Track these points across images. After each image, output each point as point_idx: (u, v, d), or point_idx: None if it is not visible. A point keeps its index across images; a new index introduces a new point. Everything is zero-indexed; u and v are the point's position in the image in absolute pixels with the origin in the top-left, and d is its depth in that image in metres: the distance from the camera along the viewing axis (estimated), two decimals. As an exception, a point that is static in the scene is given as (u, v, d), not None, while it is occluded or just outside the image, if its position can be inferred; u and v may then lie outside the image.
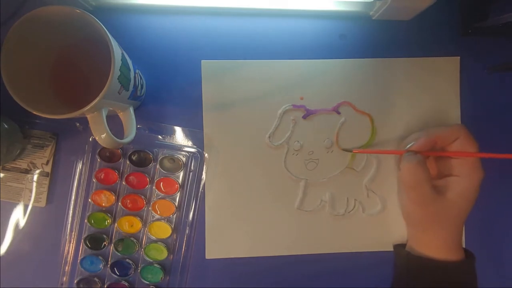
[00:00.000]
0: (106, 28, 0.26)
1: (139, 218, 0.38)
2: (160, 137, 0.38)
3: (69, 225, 0.38)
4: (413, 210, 0.33)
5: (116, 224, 0.38)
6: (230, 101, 0.38)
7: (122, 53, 0.29)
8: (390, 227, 0.39)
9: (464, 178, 0.32)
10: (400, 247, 0.37)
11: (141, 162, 0.38)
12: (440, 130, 0.32)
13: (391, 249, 0.39)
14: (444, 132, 0.32)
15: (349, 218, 0.39)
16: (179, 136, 0.38)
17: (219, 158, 0.38)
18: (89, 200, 0.38)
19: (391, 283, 0.36)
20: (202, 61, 0.38)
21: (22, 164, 0.38)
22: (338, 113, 0.39)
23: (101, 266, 0.38)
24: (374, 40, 0.39)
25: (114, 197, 0.38)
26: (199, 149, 0.38)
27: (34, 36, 0.28)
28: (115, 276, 0.38)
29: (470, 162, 0.32)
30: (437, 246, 0.33)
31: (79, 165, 0.38)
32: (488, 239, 0.40)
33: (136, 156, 0.38)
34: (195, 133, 0.38)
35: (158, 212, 0.38)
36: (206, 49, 0.38)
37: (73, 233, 0.38)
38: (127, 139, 0.31)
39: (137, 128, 0.34)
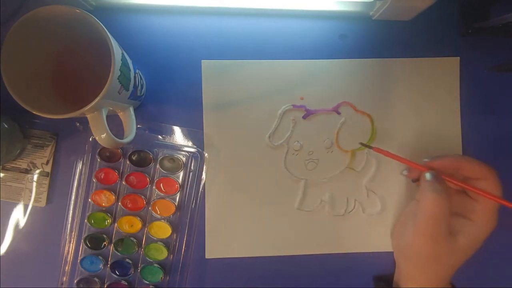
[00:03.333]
0: (106, 28, 0.26)
1: (139, 218, 0.38)
2: (160, 137, 0.38)
3: (69, 225, 0.38)
4: (419, 244, 0.30)
5: (116, 224, 0.38)
6: (230, 101, 0.38)
7: (122, 53, 0.29)
8: (390, 227, 0.39)
9: (479, 225, 0.29)
10: (379, 282, 0.36)
11: (141, 162, 0.38)
12: (469, 158, 0.29)
13: (391, 249, 0.39)
14: (473, 162, 0.29)
15: (349, 218, 0.39)
16: (179, 136, 0.38)
17: (219, 158, 0.38)
18: (89, 200, 0.38)
19: None
20: (202, 61, 0.38)
21: (22, 164, 0.38)
22: (338, 113, 0.39)
23: (101, 266, 0.38)
24: (374, 40, 0.39)
25: (114, 197, 0.38)
26: (199, 149, 0.38)
27: (34, 36, 0.28)
28: (115, 276, 0.38)
29: (490, 210, 0.29)
30: (426, 284, 0.31)
31: (79, 165, 0.38)
32: (488, 238, 0.40)
33: (136, 156, 0.38)
34: (195, 133, 0.38)
35: (158, 212, 0.38)
36: (206, 49, 0.38)
37: (73, 233, 0.38)
38: (127, 139, 0.31)
39: (137, 128, 0.34)
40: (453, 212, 0.31)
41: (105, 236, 0.38)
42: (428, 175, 0.29)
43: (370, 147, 0.35)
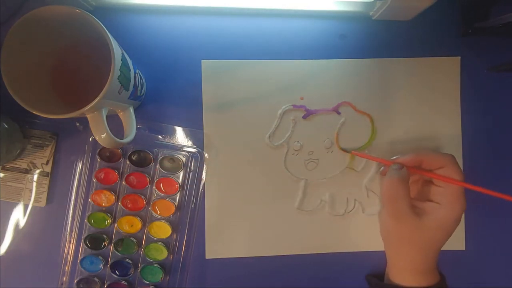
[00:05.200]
0: (106, 28, 0.26)
1: (139, 218, 0.38)
2: (160, 137, 0.38)
3: (69, 225, 0.38)
4: (388, 224, 0.33)
5: (116, 224, 0.38)
6: (230, 101, 0.38)
7: (122, 53, 0.29)
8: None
9: (444, 207, 0.32)
10: (371, 277, 0.38)
11: (141, 162, 0.38)
12: (428, 152, 0.33)
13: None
14: (432, 155, 0.32)
15: (348, 218, 0.39)
16: (179, 136, 0.38)
17: (219, 158, 0.38)
18: (89, 200, 0.38)
19: None
20: (202, 61, 0.38)
21: (22, 164, 0.38)
22: (338, 113, 0.39)
23: (101, 266, 0.38)
24: (374, 40, 0.39)
25: (114, 197, 0.38)
26: (199, 149, 0.38)
27: (34, 36, 0.28)
28: (115, 276, 0.38)
29: (453, 192, 0.31)
30: (408, 270, 0.33)
31: (79, 165, 0.38)
32: (488, 238, 0.40)
33: (136, 156, 0.38)
34: (195, 133, 0.38)
35: (158, 212, 0.38)
36: (206, 49, 0.38)
37: (73, 233, 0.38)
38: (127, 139, 0.31)
39: (137, 128, 0.34)
40: (424, 198, 0.34)
41: (105, 236, 0.38)
42: (393, 166, 0.33)
43: (348, 152, 0.38)
